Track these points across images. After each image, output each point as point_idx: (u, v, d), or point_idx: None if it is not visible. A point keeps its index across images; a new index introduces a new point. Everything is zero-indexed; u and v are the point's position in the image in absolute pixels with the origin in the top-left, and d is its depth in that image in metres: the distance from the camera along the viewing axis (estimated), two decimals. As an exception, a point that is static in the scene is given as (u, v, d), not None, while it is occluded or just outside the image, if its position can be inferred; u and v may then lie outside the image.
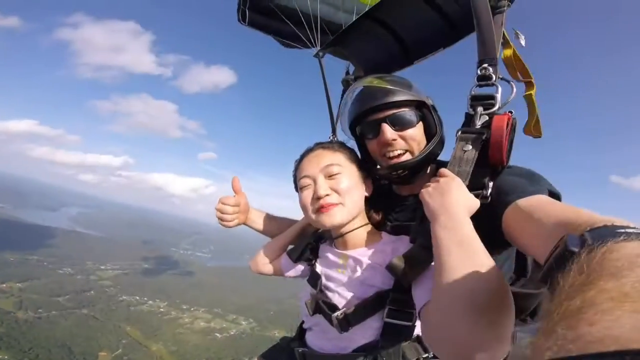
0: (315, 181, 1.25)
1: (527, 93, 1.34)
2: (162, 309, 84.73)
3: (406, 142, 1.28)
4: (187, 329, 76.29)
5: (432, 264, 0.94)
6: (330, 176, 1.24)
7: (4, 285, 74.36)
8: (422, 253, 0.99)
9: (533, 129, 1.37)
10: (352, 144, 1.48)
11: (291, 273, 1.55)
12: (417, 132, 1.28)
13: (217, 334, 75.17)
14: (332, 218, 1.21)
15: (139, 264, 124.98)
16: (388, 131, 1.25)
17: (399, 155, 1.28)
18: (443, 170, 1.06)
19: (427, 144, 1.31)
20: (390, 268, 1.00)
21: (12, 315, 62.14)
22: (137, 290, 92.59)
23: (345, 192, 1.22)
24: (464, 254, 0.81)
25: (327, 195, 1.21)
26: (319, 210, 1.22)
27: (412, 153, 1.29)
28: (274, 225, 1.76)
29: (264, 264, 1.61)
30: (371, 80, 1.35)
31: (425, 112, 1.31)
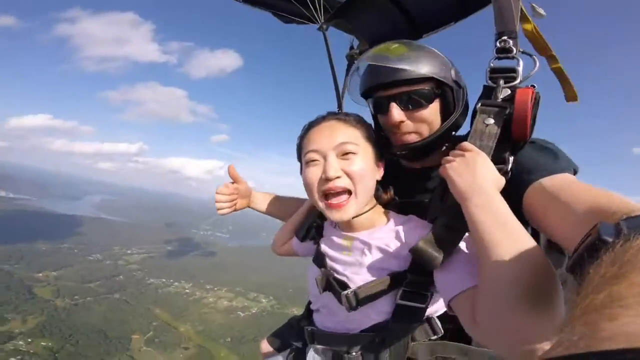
0: (325, 158, 1.09)
1: (554, 66, 1.33)
2: (187, 290, 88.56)
3: (415, 122, 1.21)
4: (211, 308, 79.90)
5: (459, 246, 0.93)
6: (343, 155, 1.09)
7: (41, 274, 78.88)
8: (447, 234, 0.93)
9: (570, 96, 1.37)
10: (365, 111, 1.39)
11: (304, 252, 1.51)
12: (428, 113, 1.20)
13: (240, 313, 78.45)
14: (342, 214, 1.09)
15: (162, 246, 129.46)
16: (395, 112, 1.18)
17: (407, 135, 1.22)
18: (466, 144, 0.99)
19: (443, 122, 1.23)
20: (415, 252, 0.92)
21: (52, 303, 66.27)
22: (163, 273, 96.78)
23: (358, 177, 1.07)
24: (508, 236, 0.76)
25: (338, 177, 1.06)
26: (327, 200, 1.09)
27: (420, 134, 1.22)
28: (279, 205, 1.78)
29: (281, 247, 1.64)
30: (387, 48, 1.22)
31: (444, 88, 1.20)
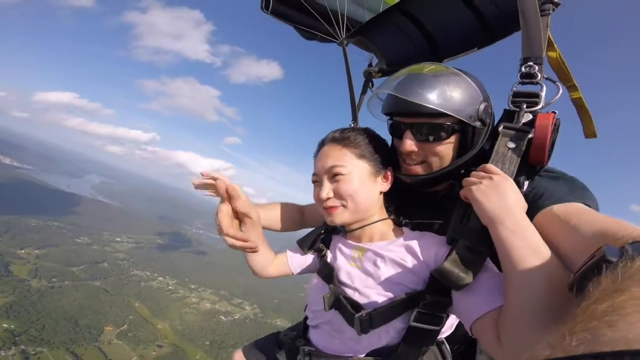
0: (321, 181, 1.23)
1: (575, 97, 1.31)
2: (170, 287, 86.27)
3: (426, 154, 1.20)
4: (193, 309, 77.48)
5: (483, 267, 0.93)
6: (333, 177, 1.19)
7: (22, 251, 76.97)
8: (471, 256, 0.93)
9: (590, 131, 1.34)
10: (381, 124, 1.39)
11: (299, 269, 1.46)
12: (442, 148, 1.18)
13: (222, 317, 76.05)
14: (333, 218, 1.20)
15: (153, 238, 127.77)
16: (407, 142, 1.18)
17: (414, 167, 1.23)
18: (491, 167, 1.00)
19: (458, 157, 1.20)
20: (440, 272, 0.92)
21: (27, 283, 64.04)
22: (149, 266, 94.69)
23: (347, 196, 1.17)
24: (541, 262, 0.78)
25: (328, 198, 1.19)
26: (324, 208, 1.22)
27: (429, 167, 1.21)
28: (274, 215, 1.55)
29: (269, 267, 1.44)
30: (421, 68, 1.21)
31: (465, 126, 1.17)
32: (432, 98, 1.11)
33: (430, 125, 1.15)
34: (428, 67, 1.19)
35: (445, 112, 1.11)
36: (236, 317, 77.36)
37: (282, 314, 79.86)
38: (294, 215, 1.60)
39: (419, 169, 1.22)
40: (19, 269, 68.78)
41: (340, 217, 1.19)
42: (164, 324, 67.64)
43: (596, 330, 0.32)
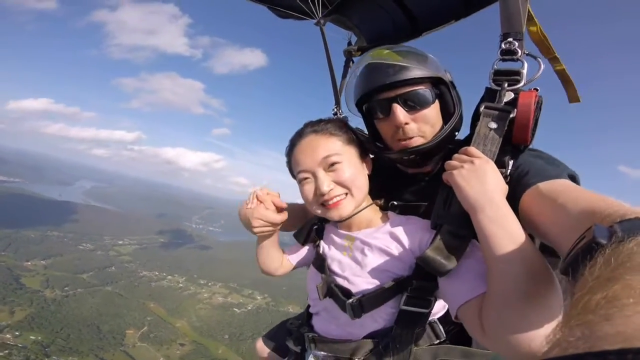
0: (315, 175, 1.14)
1: (558, 68, 1.30)
2: (181, 284, 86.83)
3: (419, 124, 1.15)
4: (206, 304, 78.21)
5: (468, 253, 0.94)
6: (330, 167, 1.13)
7: (29, 263, 76.39)
8: (455, 242, 0.93)
9: (573, 96, 1.34)
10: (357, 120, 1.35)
11: (300, 262, 1.47)
12: (431, 113, 1.16)
13: (235, 309, 77.06)
14: (341, 211, 1.14)
15: (154, 238, 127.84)
16: (400, 113, 1.12)
17: (411, 139, 1.17)
18: (473, 149, 0.99)
19: (444, 124, 1.19)
20: (424, 260, 0.92)
21: (41, 294, 63.74)
22: (156, 266, 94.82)
23: (349, 182, 1.13)
24: (519, 251, 0.79)
25: (331, 190, 1.12)
26: (326, 204, 1.14)
27: (425, 137, 1.17)
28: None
29: (279, 267, 1.46)
30: (380, 52, 1.21)
31: (442, 88, 1.18)
32: (411, 64, 1.11)
33: (415, 92, 1.13)
34: (385, 51, 1.19)
35: (426, 75, 1.12)
36: (249, 308, 78.43)
37: (292, 300, 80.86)
38: (299, 214, 1.60)
39: (417, 140, 1.16)
40: (31, 280, 68.46)
41: (347, 207, 1.13)
42: (182, 322, 68.27)
43: (593, 325, 0.31)
